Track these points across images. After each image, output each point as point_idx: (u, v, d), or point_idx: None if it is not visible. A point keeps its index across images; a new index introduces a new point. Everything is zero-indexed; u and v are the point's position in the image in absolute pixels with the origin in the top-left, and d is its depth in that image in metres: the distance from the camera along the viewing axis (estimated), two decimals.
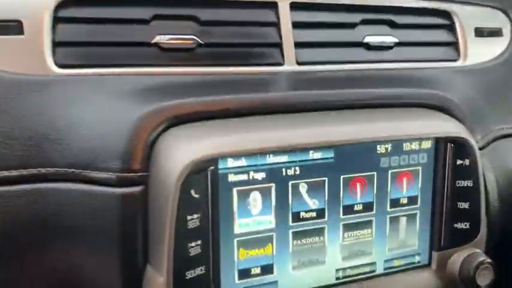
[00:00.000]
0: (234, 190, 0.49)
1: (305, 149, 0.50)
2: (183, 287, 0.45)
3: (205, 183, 0.45)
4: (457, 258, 0.58)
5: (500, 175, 0.63)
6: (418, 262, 0.59)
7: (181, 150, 0.45)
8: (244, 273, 0.51)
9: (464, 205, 0.57)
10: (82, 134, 0.47)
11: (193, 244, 0.45)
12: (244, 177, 0.49)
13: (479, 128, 0.63)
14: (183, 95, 0.50)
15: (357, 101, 0.56)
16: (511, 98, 0.69)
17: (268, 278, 0.52)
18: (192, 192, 0.45)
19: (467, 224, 0.58)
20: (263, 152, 0.48)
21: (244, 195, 0.49)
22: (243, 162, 0.48)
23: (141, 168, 0.46)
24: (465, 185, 0.57)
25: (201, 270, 0.46)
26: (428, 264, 0.59)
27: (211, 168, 0.45)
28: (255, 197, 0.50)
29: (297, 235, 0.52)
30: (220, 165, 0.47)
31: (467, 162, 0.57)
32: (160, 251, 0.45)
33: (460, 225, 0.58)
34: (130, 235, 0.46)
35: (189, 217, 0.45)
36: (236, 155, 0.47)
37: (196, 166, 0.44)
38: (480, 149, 0.61)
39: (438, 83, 0.63)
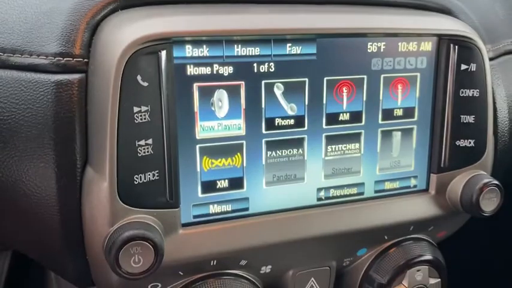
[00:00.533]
0: (195, 86, 0.41)
1: (281, 41, 0.43)
2: (131, 193, 0.38)
3: (156, 70, 0.38)
4: (459, 181, 0.50)
5: (511, 92, 0.56)
6: (414, 186, 0.51)
7: (127, 30, 0.38)
8: (209, 186, 0.44)
9: (469, 119, 0.49)
10: (14, 13, 0.40)
11: (142, 142, 0.38)
12: (206, 70, 0.41)
13: (489, 37, 0.54)
14: None
15: None
16: None
17: (237, 193, 0.45)
18: (139, 78, 0.37)
19: (472, 142, 0.50)
20: (229, 38, 0.40)
21: (207, 93, 0.42)
22: (204, 51, 0.41)
23: (81, 54, 0.39)
24: (470, 95, 0.49)
25: (153, 175, 0.39)
26: (426, 189, 0.51)
27: (163, 51, 0.38)
28: (221, 97, 0.42)
29: (272, 145, 0.45)
30: (176, 53, 0.40)
31: (473, 67, 0.48)
32: (102, 150, 0.38)
33: (463, 143, 0.50)
34: (67, 131, 0.38)
35: (135, 108, 0.37)
36: (193, 36, 0.39)
37: (143, 47, 0.37)
38: (490, 59, 0.53)
39: None
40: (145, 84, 0.38)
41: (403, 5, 0.50)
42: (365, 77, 0.46)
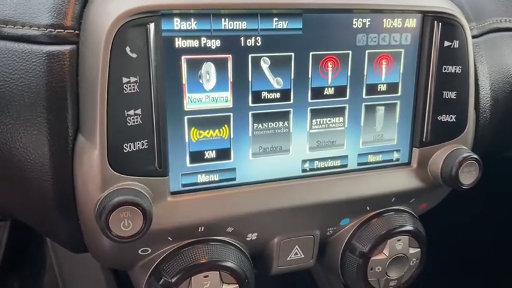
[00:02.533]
0: (183, 58, 0.42)
1: (268, 15, 0.44)
2: (120, 161, 0.40)
3: (145, 42, 0.39)
4: (440, 155, 0.52)
5: (495, 70, 0.56)
6: (397, 159, 0.53)
7: (116, 2, 0.39)
8: (197, 157, 0.45)
9: (451, 94, 0.51)
10: None
11: (131, 112, 0.40)
12: (194, 43, 0.42)
13: (474, 15, 0.55)
14: None
15: None
16: None
17: (224, 163, 0.46)
18: (128, 50, 0.38)
19: (453, 117, 0.52)
20: (216, 12, 0.41)
21: (195, 66, 0.43)
22: (192, 24, 0.42)
23: (72, 26, 0.40)
24: (453, 71, 0.50)
25: (142, 144, 0.41)
26: (408, 162, 0.53)
27: (152, 24, 0.39)
28: (208, 69, 0.43)
29: (258, 118, 0.46)
30: (165, 26, 0.41)
31: (456, 44, 0.50)
32: (92, 119, 0.39)
33: (444, 118, 0.51)
34: (58, 100, 0.40)
35: (124, 79, 0.39)
36: (181, 9, 0.40)
37: (132, 19, 0.38)
38: (474, 37, 0.54)
39: None
40: (134, 55, 0.39)
41: None
42: (350, 52, 0.48)
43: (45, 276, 0.88)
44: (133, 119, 0.40)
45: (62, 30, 0.40)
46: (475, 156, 0.51)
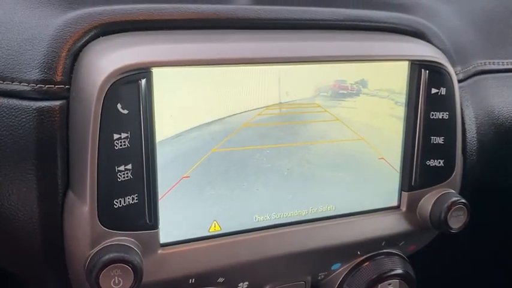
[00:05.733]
0: None
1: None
2: (111, 216, 0.40)
3: (136, 98, 0.39)
4: (429, 199, 0.52)
5: (481, 113, 0.57)
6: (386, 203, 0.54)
7: (107, 59, 0.39)
8: None
9: (439, 140, 0.52)
10: None
11: (121, 168, 0.39)
12: None
13: (459, 59, 0.56)
14: (117, 1, 0.43)
15: (320, 20, 0.49)
16: (498, 30, 0.63)
17: None
18: (119, 106, 0.38)
19: (441, 162, 0.52)
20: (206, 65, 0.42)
21: None
22: None
23: (62, 81, 0.40)
24: (440, 117, 0.51)
25: (133, 199, 0.40)
26: (398, 206, 0.54)
27: (143, 80, 0.39)
28: None
29: None
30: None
31: (443, 91, 0.51)
32: (83, 176, 0.39)
33: (433, 163, 0.52)
34: (48, 157, 0.39)
35: (115, 135, 0.39)
36: (173, 66, 0.40)
37: (123, 76, 0.38)
38: (459, 81, 0.55)
39: (418, 8, 0.57)
40: (125, 112, 0.39)
41: (377, 29, 0.53)
42: None
43: None
44: (123, 174, 0.40)
45: (53, 86, 0.39)
46: (463, 201, 0.51)
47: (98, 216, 0.39)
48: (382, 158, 0.52)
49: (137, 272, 0.39)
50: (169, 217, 0.44)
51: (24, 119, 0.39)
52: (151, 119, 0.40)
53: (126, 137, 0.39)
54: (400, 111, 0.51)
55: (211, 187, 0.45)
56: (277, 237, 0.48)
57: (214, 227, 0.46)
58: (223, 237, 0.46)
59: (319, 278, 0.53)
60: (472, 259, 0.87)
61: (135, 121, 0.39)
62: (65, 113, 0.40)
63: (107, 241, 0.40)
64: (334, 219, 0.51)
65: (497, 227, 0.83)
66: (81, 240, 0.40)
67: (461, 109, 0.55)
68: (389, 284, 0.53)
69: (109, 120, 0.38)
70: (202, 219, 0.45)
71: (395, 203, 0.54)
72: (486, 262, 0.88)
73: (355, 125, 0.50)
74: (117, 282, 0.39)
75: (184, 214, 0.44)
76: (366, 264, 0.53)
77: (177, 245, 0.44)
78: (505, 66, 0.62)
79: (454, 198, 0.51)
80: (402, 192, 0.53)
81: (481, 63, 0.60)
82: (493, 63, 0.61)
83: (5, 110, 0.39)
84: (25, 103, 0.39)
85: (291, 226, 0.49)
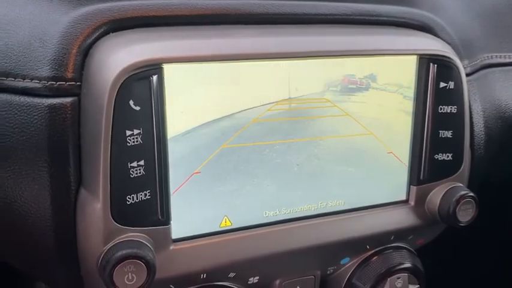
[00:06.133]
0: None
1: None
2: (123, 213, 0.40)
3: (148, 94, 0.39)
4: (437, 193, 0.52)
5: (488, 106, 0.58)
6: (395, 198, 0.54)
7: (119, 55, 0.39)
8: None
9: (447, 134, 0.52)
10: (6, 37, 0.40)
11: (134, 164, 0.39)
12: None
13: (467, 53, 0.56)
14: None
15: (329, 15, 0.49)
16: (505, 23, 0.63)
17: None
18: (131, 103, 0.38)
19: (449, 156, 0.52)
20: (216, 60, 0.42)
21: None
22: None
23: (73, 77, 0.40)
24: (448, 111, 0.51)
25: (145, 195, 0.40)
26: (406, 200, 0.54)
27: (155, 76, 0.39)
28: None
29: None
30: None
31: (451, 85, 0.51)
32: (95, 172, 0.39)
33: (441, 157, 0.52)
34: (60, 154, 0.39)
35: (128, 132, 0.39)
36: (184, 62, 0.40)
37: (135, 72, 0.38)
38: (467, 75, 0.55)
39: (425, 2, 0.57)
40: (138, 108, 0.39)
41: (385, 23, 0.53)
42: None
43: None
44: (136, 170, 0.40)
45: (64, 83, 0.39)
46: (472, 194, 0.51)
47: (111, 213, 0.39)
48: (391, 153, 0.52)
49: (150, 267, 0.39)
50: (181, 213, 0.44)
51: (36, 116, 0.39)
52: (163, 115, 0.40)
53: (139, 133, 0.39)
54: (409, 105, 0.51)
55: (221, 183, 0.45)
56: (287, 232, 0.48)
57: (225, 222, 0.46)
58: (234, 233, 0.46)
59: (328, 272, 0.53)
60: (479, 254, 0.87)
61: (147, 117, 0.39)
62: (77, 110, 0.40)
63: (119, 237, 0.40)
64: (343, 214, 0.51)
65: (505, 223, 0.83)
66: (93, 236, 0.40)
67: (469, 103, 0.55)
68: (398, 278, 0.53)
69: (121, 117, 0.38)
70: (213, 215, 0.46)
71: (404, 197, 0.54)
72: (493, 257, 0.89)
73: (364, 120, 0.50)
74: (130, 278, 0.39)
75: (196, 210, 0.45)
76: (374, 258, 0.53)
77: (189, 241, 0.45)
78: None
79: (463, 192, 0.51)
80: (411, 186, 0.53)
81: (487, 56, 0.60)
82: (500, 57, 0.61)
83: (17, 107, 0.39)
84: (36, 100, 0.39)
85: (300, 221, 0.49)
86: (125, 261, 0.38)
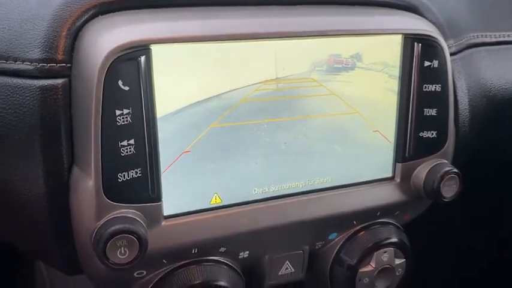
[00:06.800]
0: None
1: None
2: (115, 190, 0.41)
3: (136, 75, 0.40)
4: (422, 169, 0.54)
5: (473, 85, 0.59)
6: (381, 175, 0.56)
7: (107, 37, 0.40)
8: None
9: (431, 112, 0.53)
10: None
11: (124, 143, 0.41)
12: None
13: (452, 32, 0.57)
14: None
15: None
16: (490, 3, 0.63)
17: None
18: (120, 83, 0.39)
19: (434, 133, 0.54)
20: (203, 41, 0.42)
21: None
22: None
23: (63, 59, 0.41)
24: (433, 90, 0.52)
25: (136, 173, 0.42)
26: (392, 177, 0.55)
27: (143, 57, 0.40)
28: None
29: None
30: None
31: (435, 64, 0.52)
32: (87, 151, 0.40)
33: (426, 134, 0.54)
34: (53, 133, 0.41)
35: (117, 112, 0.40)
36: (172, 43, 0.41)
37: (123, 53, 0.39)
38: (452, 54, 0.56)
39: None
40: (126, 88, 0.40)
41: (371, 3, 0.53)
42: None
43: None
44: (126, 149, 0.41)
45: (54, 65, 0.41)
46: (456, 171, 0.53)
47: (103, 190, 0.41)
48: (377, 131, 0.53)
49: (142, 242, 0.41)
50: (172, 190, 0.45)
51: (28, 97, 0.40)
52: (152, 95, 0.42)
53: (128, 113, 0.40)
54: (394, 84, 0.53)
55: (211, 161, 0.47)
56: (276, 209, 0.50)
57: (215, 199, 0.48)
58: (224, 209, 0.48)
59: (316, 247, 0.55)
60: (464, 230, 0.89)
61: (136, 97, 0.40)
62: (68, 91, 0.41)
63: (112, 213, 0.41)
64: (330, 191, 0.52)
65: (488, 199, 0.85)
66: (87, 213, 0.41)
67: (454, 81, 0.56)
68: (384, 252, 0.55)
69: (111, 97, 0.39)
70: (203, 192, 0.47)
71: (389, 174, 0.55)
72: (478, 232, 0.91)
73: (350, 99, 0.51)
74: (123, 252, 0.40)
75: (186, 187, 0.46)
76: (361, 233, 0.55)
77: (180, 217, 0.46)
78: (497, 39, 0.63)
79: (447, 168, 0.53)
80: (396, 163, 0.55)
81: (473, 36, 0.61)
82: (486, 36, 0.62)
83: (9, 88, 0.40)
84: (28, 82, 0.40)
85: (288, 198, 0.51)
86: (118, 236, 0.40)
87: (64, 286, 0.77)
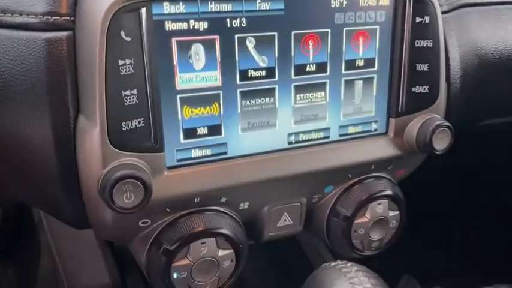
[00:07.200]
0: (173, 40, 0.45)
1: None
2: (120, 138, 0.43)
3: (138, 26, 0.42)
4: (415, 124, 0.56)
5: (464, 43, 0.60)
6: (375, 130, 0.57)
7: None
8: (190, 133, 0.48)
9: (423, 67, 0.55)
10: None
11: (127, 93, 0.42)
12: (183, 26, 0.45)
13: None
14: None
15: None
16: None
17: (216, 139, 0.49)
18: (122, 34, 0.41)
19: (426, 88, 0.56)
20: None
21: (184, 47, 0.46)
22: (180, 8, 0.44)
23: (67, 13, 0.42)
24: (424, 45, 0.54)
25: (139, 122, 0.44)
26: (386, 132, 0.57)
27: (144, 9, 0.42)
28: (197, 50, 0.46)
29: (246, 95, 0.50)
30: (155, 10, 0.43)
31: (427, 20, 0.53)
32: (92, 100, 0.42)
33: (418, 89, 0.55)
34: (59, 84, 0.42)
35: (120, 61, 0.41)
36: None
37: (125, 5, 0.40)
38: (443, 13, 0.58)
39: None
40: (128, 39, 0.42)
41: None
42: (329, 30, 0.51)
43: (41, 260, 0.90)
44: (129, 98, 0.43)
45: (58, 17, 0.42)
46: (447, 124, 0.55)
47: (108, 138, 0.43)
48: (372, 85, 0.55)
49: (147, 187, 0.43)
50: (175, 142, 0.47)
51: (34, 49, 0.42)
52: (153, 45, 0.43)
53: (130, 63, 0.42)
54: (387, 40, 0.54)
55: None
56: (274, 162, 0.52)
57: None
58: (226, 161, 0.50)
59: (314, 200, 0.57)
60: (453, 189, 0.92)
61: (138, 48, 0.42)
62: (72, 43, 0.43)
63: (117, 161, 0.43)
64: (326, 145, 0.54)
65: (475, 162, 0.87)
66: (93, 160, 0.43)
67: (445, 39, 0.58)
68: (378, 204, 0.57)
69: (113, 47, 0.41)
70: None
71: (383, 130, 0.57)
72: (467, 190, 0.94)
73: None
74: (128, 196, 0.42)
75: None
76: (356, 186, 0.57)
77: (183, 168, 0.48)
78: (488, 0, 0.65)
79: (439, 122, 0.55)
80: (390, 118, 0.57)
81: None
82: None
83: (16, 41, 0.42)
84: (34, 34, 0.42)
85: (285, 151, 0.53)
86: (123, 181, 0.42)
87: (68, 247, 0.79)
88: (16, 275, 0.99)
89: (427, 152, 0.56)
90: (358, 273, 0.43)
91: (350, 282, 0.41)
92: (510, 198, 0.93)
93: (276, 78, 0.50)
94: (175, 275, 0.49)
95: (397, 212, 0.59)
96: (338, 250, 0.59)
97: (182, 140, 0.48)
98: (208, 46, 0.47)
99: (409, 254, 0.95)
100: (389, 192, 0.58)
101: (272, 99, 0.51)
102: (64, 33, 0.42)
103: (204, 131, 0.49)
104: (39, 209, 0.54)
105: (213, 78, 0.48)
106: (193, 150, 0.49)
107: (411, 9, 0.52)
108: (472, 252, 1.03)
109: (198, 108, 0.48)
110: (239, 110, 0.50)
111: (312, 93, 0.53)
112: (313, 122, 0.53)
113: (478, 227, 1.03)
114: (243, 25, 0.47)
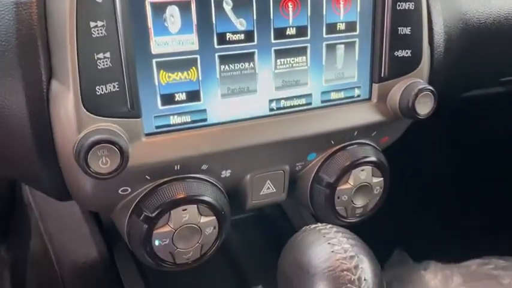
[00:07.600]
0: (147, 2, 0.44)
1: None
2: (94, 103, 0.42)
3: None
4: (398, 89, 0.55)
5: (448, 7, 0.59)
6: (358, 95, 0.56)
7: None
8: (168, 99, 0.47)
9: (406, 30, 0.54)
10: None
11: (100, 56, 0.41)
12: None
13: None
14: None
15: None
16: None
17: (195, 105, 0.49)
18: None
19: (409, 52, 0.55)
20: None
21: (159, 9, 0.45)
22: None
23: None
24: (406, 8, 0.53)
25: (114, 86, 0.43)
26: (369, 98, 0.57)
27: None
28: (173, 12, 0.45)
29: (224, 59, 0.49)
30: None
31: None
32: (64, 63, 0.41)
33: (401, 53, 0.54)
34: (30, 47, 0.42)
35: (92, 23, 0.40)
36: None
37: None
38: None
39: None
40: (100, 0, 0.41)
41: None
42: None
43: (32, 240, 0.90)
44: (103, 62, 0.42)
45: None
46: (430, 88, 0.54)
47: (82, 102, 0.42)
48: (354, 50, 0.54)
49: (123, 152, 0.42)
50: (153, 108, 0.47)
51: (3, 12, 0.41)
52: (126, 7, 0.42)
53: (102, 26, 0.41)
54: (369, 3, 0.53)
55: None
56: (255, 128, 0.51)
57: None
58: (206, 128, 0.49)
59: (296, 168, 0.57)
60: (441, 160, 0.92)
61: (110, 9, 0.41)
62: (42, 6, 0.42)
63: (92, 126, 0.42)
64: (308, 111, 0.54)
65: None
66: (67, 125, 0.42)
67: (428, 2, 0.57)
68: (362, 170, 0.57)
69: (84, 9, 0.40)
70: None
71: (366, 95, 0.57)
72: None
73: None
74: (104, 162, 0.42)
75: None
76: (339, 153, 0.56)
77: (161, 134, 0.48)
78: None
79: (421, 86, 0.54)
80: (373, 84, 0.56)
81: None
82: None
83: None
84: None
85: (269, 118, 0.52)
86: (99, 145, 0.41)
87: (54, 223, 0.80)
88: (8, 255, 0.99)
89: (410, 117, 0.55)
90: (338, 234, 0.43)
91: (329, 243, 0.41)
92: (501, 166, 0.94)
93: (255, 42, 0.49)
94: (156, 242, 0.49)
95: (381, 179, 0.59)
96: (322, 217, 0.59)
97: (160, 106, 0.47)
98: (184, 8, 0.45)
99: (400, 227, 0.95)
100: (372, 158, 0.57)
101: (252, 64, 0.50)
102: None
103: (182, 96, 0.48)
104: (21, 182, 0.53)
105: (190, 41, 0.47)
106: (171, 117, 0.48)
107: None
108: (462, 223, 1.04)
109: (175, 73, 0.47)
110: (218, 75, 0.49)
111: (292, 58, 0.52)
112: (294, 88, 0.53)
113: (468, 200, 1.04)
114: None
